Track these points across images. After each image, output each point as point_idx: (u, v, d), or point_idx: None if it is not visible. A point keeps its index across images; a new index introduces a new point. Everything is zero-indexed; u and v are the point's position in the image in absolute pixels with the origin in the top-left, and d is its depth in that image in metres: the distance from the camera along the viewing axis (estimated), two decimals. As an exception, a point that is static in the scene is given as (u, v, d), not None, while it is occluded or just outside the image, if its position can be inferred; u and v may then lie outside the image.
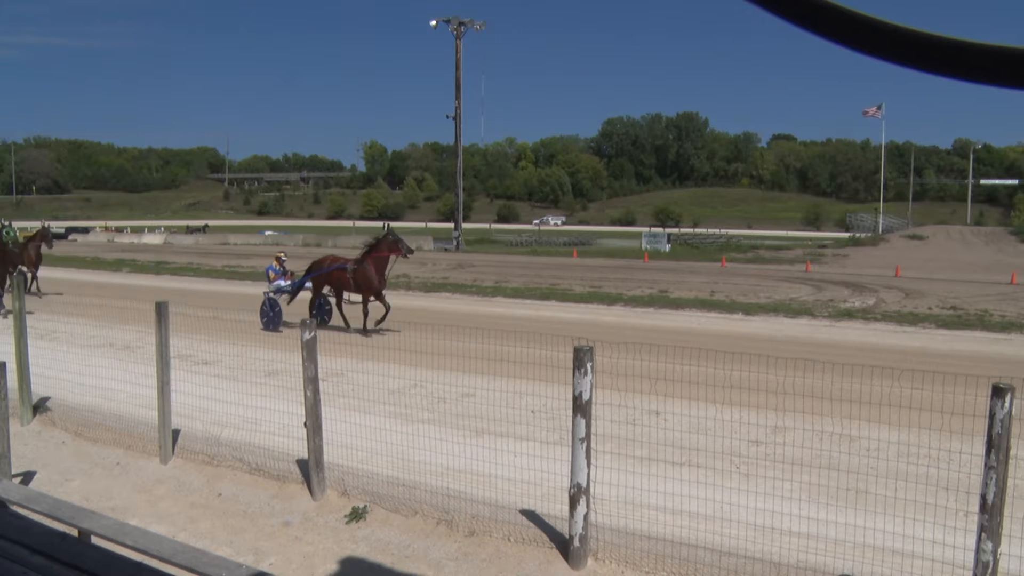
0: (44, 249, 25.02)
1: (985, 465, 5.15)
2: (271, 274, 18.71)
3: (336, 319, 17.77)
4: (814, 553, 6.09)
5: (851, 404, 8.44)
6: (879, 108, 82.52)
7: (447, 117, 58.96)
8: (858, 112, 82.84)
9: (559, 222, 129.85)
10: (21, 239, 25.54)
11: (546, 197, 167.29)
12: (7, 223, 20.01)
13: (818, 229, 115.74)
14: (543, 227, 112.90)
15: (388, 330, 16.43)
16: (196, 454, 9.48)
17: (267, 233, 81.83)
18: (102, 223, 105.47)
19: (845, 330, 18.05)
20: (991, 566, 5.03)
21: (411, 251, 17.82)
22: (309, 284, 18.15)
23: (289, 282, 18.57)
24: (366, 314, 17.22)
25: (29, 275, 23.40)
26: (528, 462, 7.27)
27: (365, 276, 16.90)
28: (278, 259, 19.03)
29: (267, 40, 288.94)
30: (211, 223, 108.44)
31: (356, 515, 7.74)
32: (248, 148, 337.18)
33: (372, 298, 17.42)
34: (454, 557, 6.86)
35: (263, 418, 9.45)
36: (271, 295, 18.20)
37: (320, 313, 18.10)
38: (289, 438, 8.80)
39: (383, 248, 17.19)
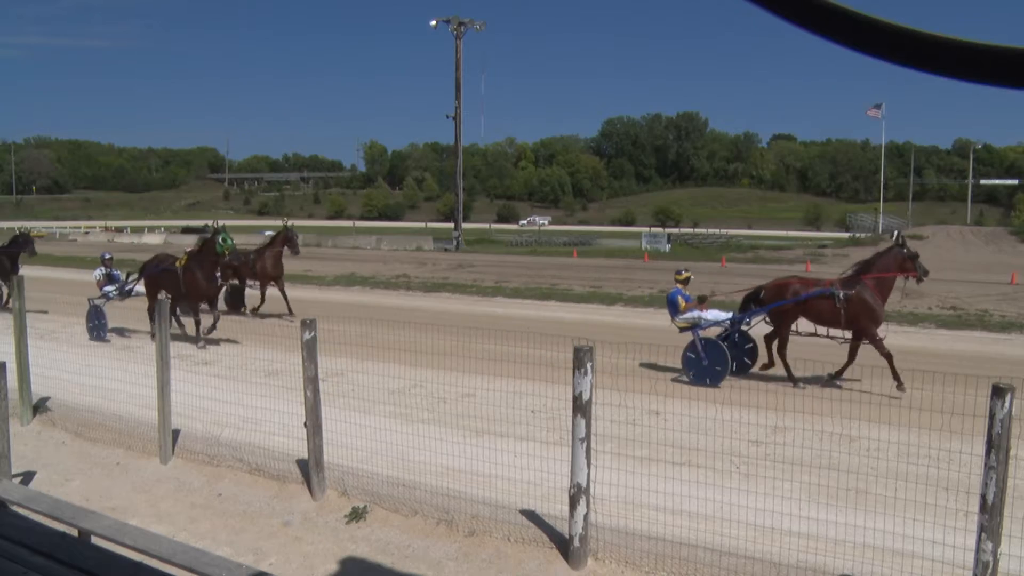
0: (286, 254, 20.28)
1: (985, 465, 5.15)
2: (98, 276, 18.01)
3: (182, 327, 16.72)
4: (814, 553, 6.09)
5: (851, 404, 8.47)
6: (879, 108, 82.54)
7: (447, 117, 58.93)
8: (858, 112, 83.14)
9: (545, 222, 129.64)
10: (254, 247, 21.31)
11: (546, 197, 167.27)
12: (219, 225, 16.69)
13: (818, 229, 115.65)
14: (530, 227, 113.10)
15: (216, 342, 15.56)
16: (196, 454, 9.48)
17: (267, 233, 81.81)
18: (102, 223, 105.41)
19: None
20: (991, 566, 5.03)
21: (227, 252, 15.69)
22: (142, 288, 17.04)
23: (114, 288, 17.54)
24: (198, 323, 15.89)
25: (258, 289, 19.89)
26: (528, 462, 7.27)
27: (194, 279, 15.49)
28: (104, 262, 18.36)
29: (267, 40, 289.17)
30: (211, 223, 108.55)
31: (356, 515, 7.74)
32: (248, 148, 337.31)
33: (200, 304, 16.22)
34: (454, 557, 6.86)
35: (263, 418, 9.45)
36: (96, 302, 16.78)
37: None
38: (289, 438, 8.80)
39: (210, 249, 15.72)
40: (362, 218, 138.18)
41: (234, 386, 10.72)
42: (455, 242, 57.72)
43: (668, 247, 56.77)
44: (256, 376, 11.97)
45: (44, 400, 11.46)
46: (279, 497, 8.34)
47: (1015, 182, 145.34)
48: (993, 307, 22.08)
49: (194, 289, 15.57)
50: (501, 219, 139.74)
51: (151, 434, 9.69)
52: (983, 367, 11.49)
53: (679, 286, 13.88)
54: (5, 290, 20.90)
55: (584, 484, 6.35)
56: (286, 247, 19.99)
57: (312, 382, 8.10)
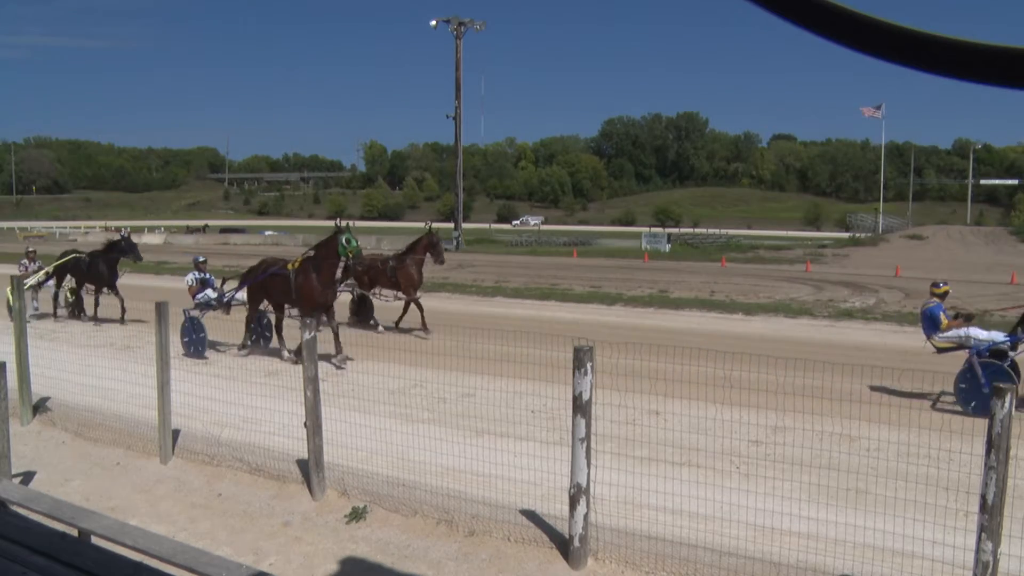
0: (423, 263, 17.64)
1: (985, 465, 5.15)
2: (191, 282, 15.78)
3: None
4: (814, 553, 6.09)
5: (851, 404, 8.46)
6: (879, 108, 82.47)
7: (447, 117, 58.89)
8: (858, 112, 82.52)
9: (538, 222, 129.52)
10: (391, 252, 18.92)
11: (546, 197, 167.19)
12: (344, 223, 14.19)
13: (818, 229, 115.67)
14: (523, 227, 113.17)
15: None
16: (196, 454, 9.49)
17: (267, 233, 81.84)
18: (102, 223, 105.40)
19: (845, 330, 18.05)
20: (991, 566, 5.04)
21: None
22: (241, 296, 15.12)
23: (213, 294, 15.52)
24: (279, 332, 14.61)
25: (387, 300, 17.72)
26: (528, 462, 7.27)
27: (309, 284, 13.59)
28: (197, 265, 16.07)
29: (267, 40, 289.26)
30: (211, 223, 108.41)
31: (356, 515, 7.74)
32: (248, 148, 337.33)
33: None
34: (454, 557, 6.86)
35: (263, 418, 9.45)
36: (193, 313, 14.85)
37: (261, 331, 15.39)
38: (289, 438, 8.80)
39: (330, 251, 13.72)
40: (362, 218, 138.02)
41: (234, 386, 10.71)
42: (455, 242, 57.67)
43: (668, 247, 56.78)
44: (256, 376, 11.97)
45: (44, 400, 11.46)
46: (279, 497, 8.35)
47: (1015, 182, 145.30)
48: (993, 306, 22.06)
49: (309, 296, 13.50)
50: (501, 219, 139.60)
51: (151, 434, 9.69)
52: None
53: (937, 300, 12.55)
54: (86, 298, 19.82)
55: (584, 484, 6.35)
56: (429, 255, 17.47)
57: (312, 382, 8.10)
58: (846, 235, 71.88)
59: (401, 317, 17.27)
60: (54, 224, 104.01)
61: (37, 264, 20.36)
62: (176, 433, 9.69)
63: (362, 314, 17.79)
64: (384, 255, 18.42)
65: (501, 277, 31.22)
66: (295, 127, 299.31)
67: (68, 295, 19.91)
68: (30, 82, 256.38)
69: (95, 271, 19.00)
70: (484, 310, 22.15)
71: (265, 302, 14.72)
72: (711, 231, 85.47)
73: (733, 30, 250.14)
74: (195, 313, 14.83)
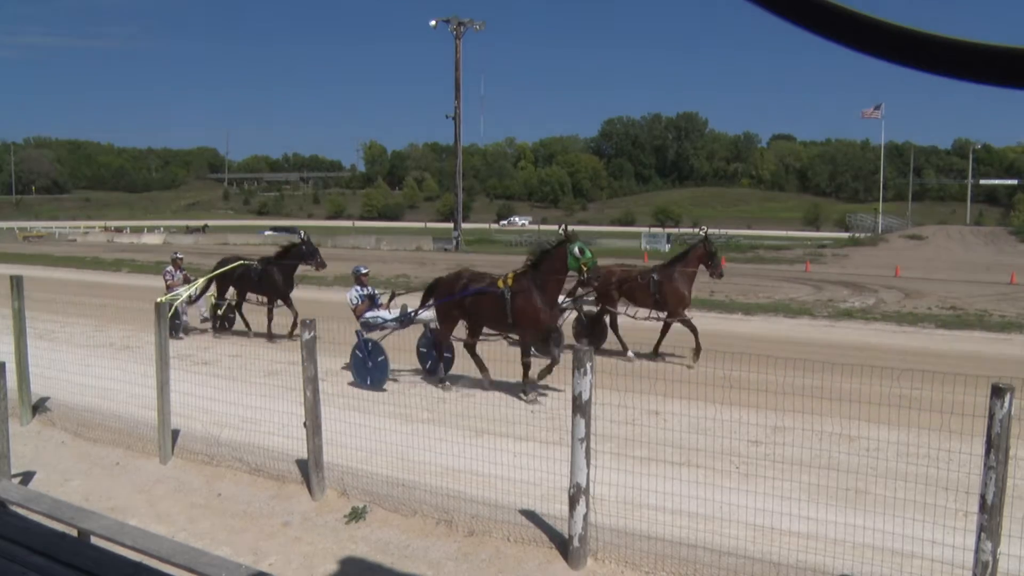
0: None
1: (984, 465, 5.15)
2: (356, 300, 13.11)
3: (466, 368, 12.43)
4: (814, 553, 6.09)
5: (851, 404, 8.46)
6: (878, 108, 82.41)
7: (447, 117, 58.88)
8: (857, 112, 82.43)
9: (526, 222, 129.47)
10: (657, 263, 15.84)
11: (546, 197, 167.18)
12: (568, 229, 11.83)
13: (818, 229, 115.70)
14: (510, 227, 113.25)
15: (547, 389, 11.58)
16: (195, 454, 9.49)
17: (266, 233, 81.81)
18: (102, 223, 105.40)
19: (845, 330, 18.05)
20: (990, 566, 5.04)
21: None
22: (427, 314, 12.68)
23: (392, 313, 12.96)
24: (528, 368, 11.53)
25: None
26: (528, 462, 7.27)
27: (531, 305, 11.35)
28: (358, 278, 13.46)
29: (267, 40, 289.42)
30: (211, 223, 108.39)
31: (356, 515, 7.74)
32: (248, 148, 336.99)
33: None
34: (453, 557, 6.86)
35: (262, 418, 9.45)
36: (367, 336, 12.37)
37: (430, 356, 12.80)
38: (288, 438, 8.80)
39: (557, 263, 11.42)
40: (362, 218, 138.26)
41: (234, 386, 10.72)
42: (455, 242, 57.72)
43: (668, 247, 56.76)
44: (256, 376, 11.96)
45: (44, 400, 11.46)
46: (279, 497, 8.35)
47: (1015, 182, 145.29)
48: (993, 307, 22.11)
49: (532, 320, 11.33)
50: (501, 219, 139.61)
51: (151, 434, 9.69)
52: (982, 367, 11.50)
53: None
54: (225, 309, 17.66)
55: (584, 484, 6.35)
56: (703, 267, 14.39)
57: (312, 382, 8.10)
58: (846, 235, 71.85)
59: (660, 341, 14.28)
60: (54, 224, 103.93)
61: (182, 273, 18.31)
62: (175, 433, 9.69)
63: (595, 337, 14.46)
64: (634, 266, 15.47)
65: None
66: (295, 127, 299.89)
67: (212, 303, 17.68)
68: (30, 82, 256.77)
69: (268, 281, 16.62)
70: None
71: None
72: (711, 231, 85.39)
73: (733, 30, 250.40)
74: (372, 335, 12.38)
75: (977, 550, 5.09)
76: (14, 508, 6.04)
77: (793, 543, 6.27)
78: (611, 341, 14.53)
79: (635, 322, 14.65)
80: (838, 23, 0.78)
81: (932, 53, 0.76)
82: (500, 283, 11.59)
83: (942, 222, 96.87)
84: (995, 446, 5.05)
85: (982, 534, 5.07)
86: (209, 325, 17.84)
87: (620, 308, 14.64)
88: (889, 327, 18.26)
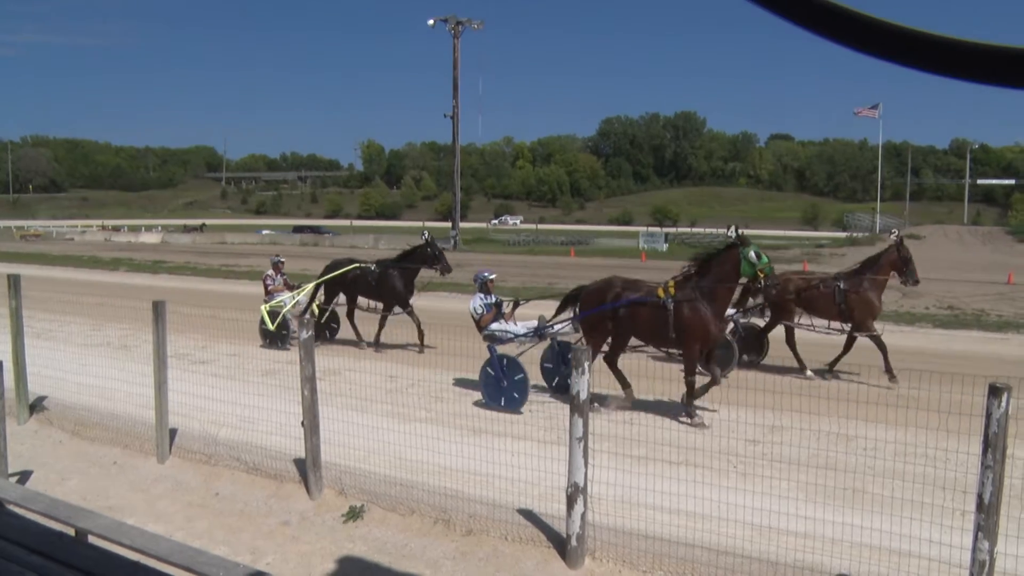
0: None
1: (982, 464, 5.16)
2: (481, 309, 11.63)
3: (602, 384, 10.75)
4: (811, 552, 6.10)
5: (848, 403, 8.47)
6: (875, 108, 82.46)
7: (445, 116, 58.85)
8: (854, 112, 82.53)
9: (517, 222, 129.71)
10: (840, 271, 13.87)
11: (543, 196, 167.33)
12: (737, 231, 10.68)
13: (815, 229, 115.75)
14: (501, 226, 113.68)
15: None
16: (193, 453, 9.48)
17: (264, 232, 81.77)
18: (99, 222, 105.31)
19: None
20: (987, 565, 5.04)
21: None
22: (559, 326, 11.54)
23: (519, 325, 11.66)
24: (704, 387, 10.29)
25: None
26: (525, 461, 7.27)
27: (697, 317, 10.12)
28: (484, 285, 11.95)
29: (265, 38, 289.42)
30: (208, 222, 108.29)
31: (353, 514, 7.74)
32: (245, 147, 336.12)
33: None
34: (451, 556, 6.86)
35: (260, 417, 9.45)
36: (501, 349, 11.17)
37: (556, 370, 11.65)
38: (286, 437, 8.80)
39: (728, 268, 10.21)
40: (359, 217, 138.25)
41: (231, 385, 10.71)
42: (453, 241, 57.65)
43: (665, 247, 56.81)
44: (253, 375, 11.97)
45: (41, 399, 11.45)
46: (276, 496, 8.35)
47: (1012, 182, 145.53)
48: (990, 306, 22.12)
49: (701, 333, 10.13)
50: (495, 218, 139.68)
51: (148, 433, 9.69)
52: (979, 366, 11.51)
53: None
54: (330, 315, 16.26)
55: (581, 483, 6.35)
56: (896, 273, 13.12)
57: (309, 381, 8.10)
58: (843, 235, 71.93)
59: (840, 357, 12.73)
60: (51, 223, 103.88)
61: (283, 277, 16.70)
62: (173, 432, 9.68)
63: (755, 351, 13.38)
64: (813, 274, 13.97)
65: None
66: (292, 126, 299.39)
67: (315, 310, 15.86)
68: (27, 80, 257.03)
69: (387, 285, 15.43)
70: (481, 309, 22.12)
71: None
72: (709, 231, 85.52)
73: (731, 30, 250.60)
74: (506, 350, 11.22)
75: (974, 549, 5.10)
76: (11, 507, 6.03)
77: (791, 542, 6.28)
78: (781, 357, 12.66)
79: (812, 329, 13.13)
80: (837, 23, 0.79)
81: (931, 53, 0.77)
82: (660, 292, 10.32)
83: (939, 222, 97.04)
84: (992, 445, 5.05)
85: (979, 533, 5.07)
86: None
87: (794, 320, 13.22)
88: (886, 326, 18.25)
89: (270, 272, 16.58)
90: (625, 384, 10.68)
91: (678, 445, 7.88)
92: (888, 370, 11.77)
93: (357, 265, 15.76)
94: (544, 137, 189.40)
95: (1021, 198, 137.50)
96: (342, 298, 16.05)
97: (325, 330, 15.95)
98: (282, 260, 16.97)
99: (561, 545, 6.64)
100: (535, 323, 11.59)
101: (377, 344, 15.15)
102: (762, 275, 9.93)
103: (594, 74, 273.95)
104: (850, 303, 12.54)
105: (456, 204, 60.90)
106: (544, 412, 10.15)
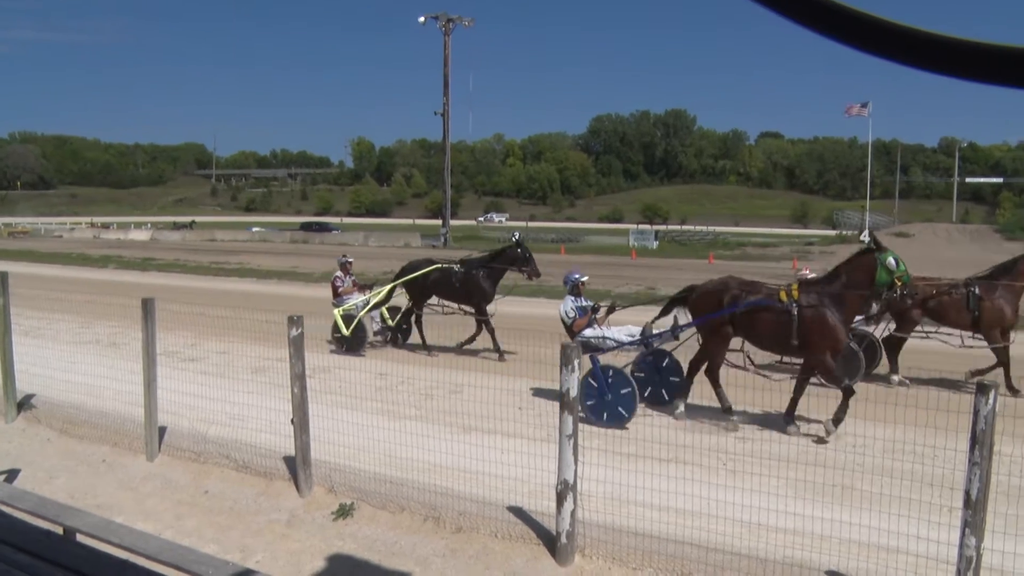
0: None
1: (969, 461, 5.18)
2: (573, 312, 11.01)
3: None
4: (800, 549, 6.11)
5: (836, 400, 8.49)
6: (864, 106, 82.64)
7: (435, 114, 58.91)
8: (844, 110, 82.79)
9: (503, 219, 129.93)
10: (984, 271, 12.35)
11: (534, 194, 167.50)
12: (873, 238, 10.20)
13: (805, 227, 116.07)
14: (487, 224, 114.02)
15: None
16: (182, 451, 9.45)
17: (254, 230, 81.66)
18: (88, 219, 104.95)
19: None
20: (974, 561, 5.06)
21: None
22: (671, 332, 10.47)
23: (613, 331, 10.84)
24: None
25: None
26: (515, 459, 7.28)
27: (826, 326, 9.30)
28: (574, 288, 11.28)
29: (256, 35, 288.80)
30: (198, 219, 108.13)
31: (343, 512, 7.73)
32: (235, 144, 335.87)
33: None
34: (441, 554, 6.86)
35: (250, 415, 9.44)
36: (595, 355, 10.16)
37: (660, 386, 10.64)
38: (276, 435, 8.79)
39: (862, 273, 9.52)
40: (350, 214, 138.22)
41: (221, 383, 10.68)
42: (443, 239, 57.68)
43: (655, 244, 57.01)
44: (243, 373, 11.96)
45: (29, 397, 11.40)
46: (266, 494, 8.33)
47: (1000, 180, 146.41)
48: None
49: (830, 341, 9.34)
50: (480, 216, 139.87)
51: (137, 431, 9.66)
52: (967, 364, 11.56)
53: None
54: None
55: (571, 481, 6.35)
56: None
57: (299, 379, 8.08)
58: (833, 233, 72.12)
59: (1007, 373, 11.27)
60: (39, 220, 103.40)
61: (351, 278, 15.96)
62: (162, 430, 9.65)
63: (874, 363, 12.20)
64: (939, 279, 12.55)
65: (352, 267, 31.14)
66: (283, 123, 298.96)
67: (386, 313, 15.37)
68: (15, 76, 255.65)
69: (472, 286, 14.58)
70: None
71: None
72: (699, 228, 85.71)
73: (721, 27, 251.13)
74: (614, 361, 10.30)
75: (961, 545, 5.12)
76: (-1, 506, 6.01)
77: (780, 539, 6.29)
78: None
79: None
80: (838, 21, 0.79)
81: (932, 52, 0.77)
82: (783, 295, 9.58)
83: (928, 220, 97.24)
84: (979, 442, 5.08)
85: (966, 530, 5.09)
86: (379, 338, 15.42)
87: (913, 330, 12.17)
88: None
89: (339, 273, 15.80)
90: (724, 397, 9.85)
91: (668, 443, 7.89)
92: (1009, 386, 10.98)
93: (439, 266, 15.02)
94: (534, 134, 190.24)
95: (1009, 196, 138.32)
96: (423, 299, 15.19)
97: (398, 334, 15.37)
98: (350, 260, 16.21)
99: (551, 542, 6.64)
100: (629, 327, 10.89)
101: (500, 353, 13.88)
102: (899, 283, 9.28)
103: (585, 72, 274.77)
104: (982, 311, 11.49)
105: (446, 201, 60.90)
106: (535, 409, 10.15)
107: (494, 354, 13.90)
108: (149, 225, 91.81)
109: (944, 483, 6.45)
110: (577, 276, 11.30)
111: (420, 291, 15.02)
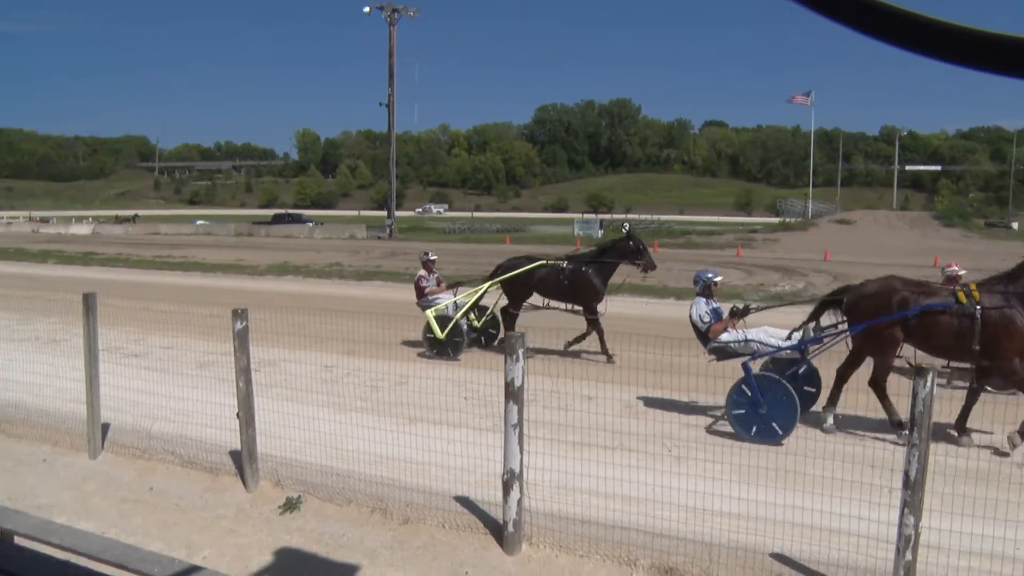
0: None
1: (908, 443, 5.30)
2: (708, 316, 9.98)
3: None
4: (745, 533, 6.20)
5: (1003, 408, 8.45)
6: (808, 95, 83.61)
7: (380, 104, 58.50)
8: (788, 99, 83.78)
9: (442, 210, 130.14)
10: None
11: (479, 184, 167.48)
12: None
13: (749, 214, 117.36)
14: (425, 214, 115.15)
15: None
16: (126, 448, 9.33)
17: (198, 223, 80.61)
18: (26, 213, 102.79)
19: (776, 314, 18.30)
20: (913, 539, 5.17)
21: None
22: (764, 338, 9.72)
23: (749, 331, 9.85)
24: None
25: None
26: (462, 449, 7.29)
27: (1014, 328, 8.39)
28: (706, 288, 10.24)
29: (199, 26, 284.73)
30: (141, 213, 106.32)
31: (290, 505, 7.69)
32: (179, 136, 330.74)
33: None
34: (388, 545, 6.86)
35: (195, 410, 9.33)
36: (747, 360, 9.34)
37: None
38: (222, 429, 8.71)
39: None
40: (295, 206, 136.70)
41: (165, 378, 10.58)
42: (388, 230, 57.46)
43: (600, 233, 57.14)
44: (187, 368, 11.82)
45: (-36, 397, 11.18)
46: (212, 489, 8.26)
47: (938, 168, 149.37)
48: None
49: (1011, 346, 8.43)
50: (418, 207, 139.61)
51: (79, 429, 9.50)
52: (908, 349, 11.77)
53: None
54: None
55: (517, 470, 6.38)
56: None
57: (244, 372, 8.02)
58: (776, 220, 72.94)
59: None
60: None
61: (435, 276, 14.80)
62: (105, 427, 9.51)
63: None
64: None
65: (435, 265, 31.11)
66: (227, 115, 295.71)
67: (471, 314, 14.17)
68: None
69: (582, 283, 13.58)
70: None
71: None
72: (643, 217, 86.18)
73: (666, 17, 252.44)
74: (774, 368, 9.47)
75: (901, 524, 5.23)
76: (-66, 508, 5.90)
77: (725, 523, 6.38)
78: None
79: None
80: (843, 6, 0.79)
81: (934, 39, 0.77)
82: (962, 296, 8.65)
83: (869, 207, 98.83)
84: (918, 424, 5.19)
85: (905, 509, 5.20)
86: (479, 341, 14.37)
87: None
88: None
89: (423, 272, 14.62)
90: (891, 408, 8.84)
91: (613, 430, 7.96)
92: None
93: (543, 263, 14.04)
94: (480, 124, 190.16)
95: (947, 184, 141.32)
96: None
97: (481, 336, 14.32)
98: (433, 257, 14.96)
99: (498, 532, 6.66)
100: (766, 328, 10.02)
101: (608, 355, 13.07)
102: None
103: (530, 62, 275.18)
104: None
105: (392, 192, 60.62)
106: (480, 399, 10.17)
107: (601, 356, 13.11)
108: (91, 219, 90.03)
109: (885, 464, 6.58)
110: (710, 275, 10.26)
111: (522, 289, 14.09)
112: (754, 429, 8.74)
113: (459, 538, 6.83)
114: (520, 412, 6.34)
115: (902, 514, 5.24)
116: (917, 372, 5.35)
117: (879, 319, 8.89)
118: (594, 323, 13.32)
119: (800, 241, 47.24)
